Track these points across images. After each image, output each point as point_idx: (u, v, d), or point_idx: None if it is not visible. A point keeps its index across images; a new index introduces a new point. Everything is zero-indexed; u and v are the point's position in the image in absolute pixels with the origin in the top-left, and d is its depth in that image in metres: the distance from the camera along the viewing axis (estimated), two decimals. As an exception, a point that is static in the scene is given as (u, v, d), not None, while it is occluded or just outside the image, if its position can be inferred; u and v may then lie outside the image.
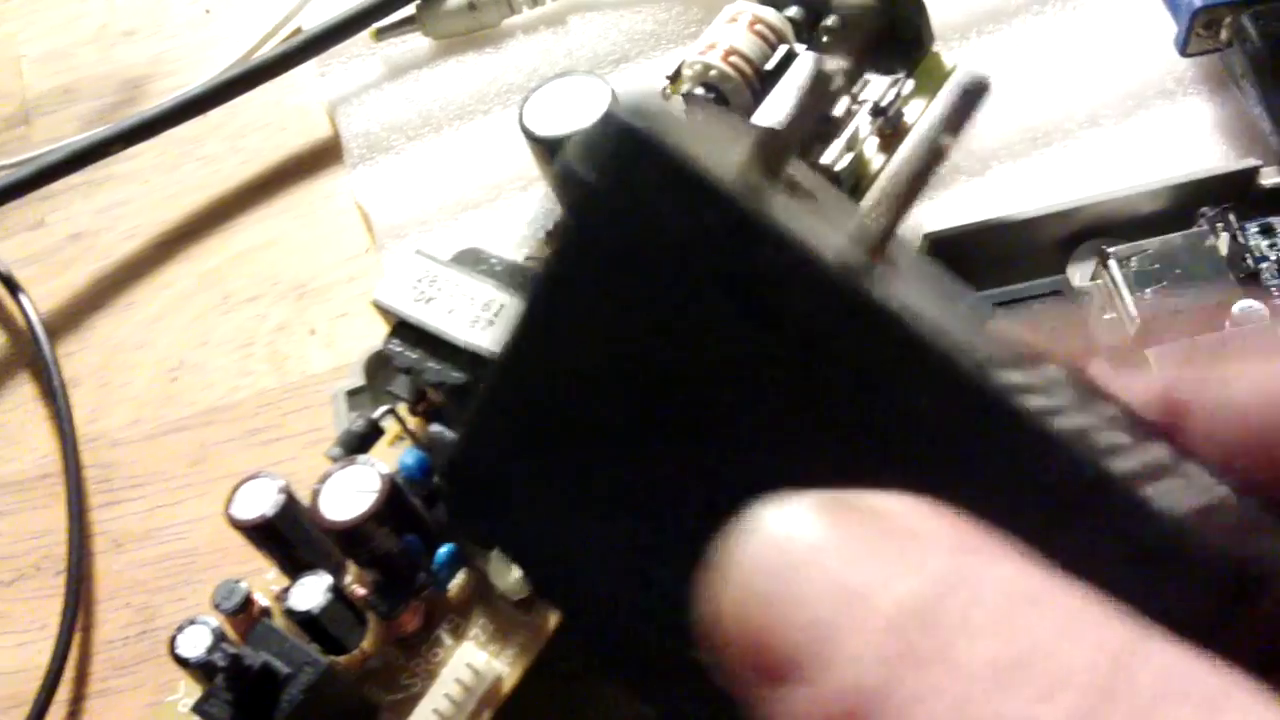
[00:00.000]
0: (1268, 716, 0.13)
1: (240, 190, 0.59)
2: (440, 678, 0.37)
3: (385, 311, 0.39)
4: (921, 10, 0.44)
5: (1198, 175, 0.46)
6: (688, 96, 0.43)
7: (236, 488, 0.38)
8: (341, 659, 0.38)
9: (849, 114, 0.43)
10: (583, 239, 0.18)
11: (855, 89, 0.43)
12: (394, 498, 0.36)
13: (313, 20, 0.59)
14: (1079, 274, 0.45)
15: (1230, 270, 0.43)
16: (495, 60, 0.58)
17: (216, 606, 0.38)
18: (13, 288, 0.57)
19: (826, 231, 0.17)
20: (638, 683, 0.20)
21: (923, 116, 0.16)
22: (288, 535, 0.38)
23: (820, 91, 0.20)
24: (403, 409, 0.41)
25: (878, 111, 0.43)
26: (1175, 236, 0.43)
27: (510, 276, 0.39)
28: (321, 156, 0.59)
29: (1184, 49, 0.50)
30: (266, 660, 0.35)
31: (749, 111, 0.42)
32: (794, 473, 0.16)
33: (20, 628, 0.50)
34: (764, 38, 0.42)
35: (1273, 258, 0.44)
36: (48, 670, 0.47)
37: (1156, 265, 0.43)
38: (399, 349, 0.38)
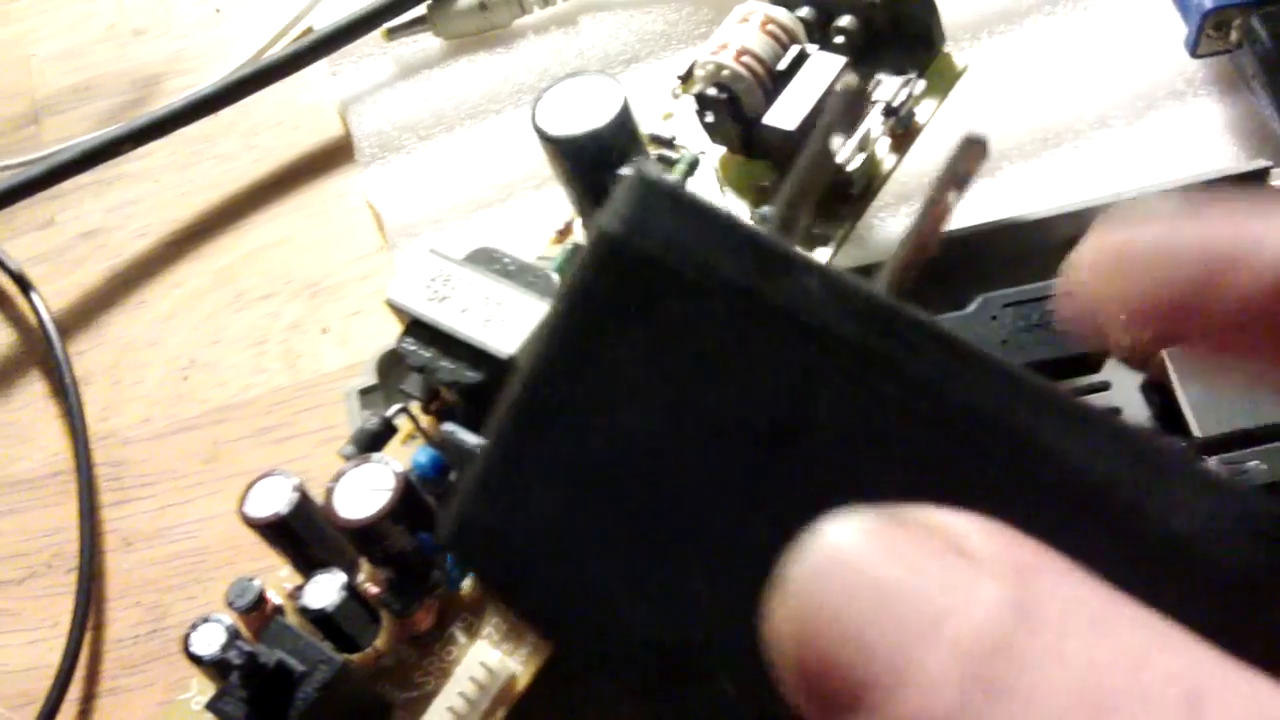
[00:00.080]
0: None
1: (252, 189, 0.59)
2: (454, 676, 0.37)
3: (399, 310, 0.39)
4: (933, 10, 0.44)
5: (1208, 176, 0.46)
6: (700, 97, 0.43)
7: (250, 486, 0.38)
8: (355, 657, 0.38)
9: (861, 114, 0.43)
10: (610, 281, 0.18)
11: (867, 89, 0.43)
12: (408, 496, 0.36)
13: (323, 20, 0.59)
14: (1090, 274, 0.45)
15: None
16: (506, 60, 0.58)
17: (230, 604, 0.38)
18: (24, 286, 0.57)
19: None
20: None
21: (933, 178, 0.17)
22: (301, 533, 0.38)
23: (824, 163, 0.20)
24: (415, 407, 0.41)
25: (889, 112, 0.43)
26: (1187, 236, 0.43)
27: (524, 276, 0.39)
28: (333, 155, 0.59)
29: (1194, 50, 0.50)
30: (281, 658, 0.35)
31: (760, 111, 0.42)
32: (845, 492, 0.16)
33: (31, 625, 0.50)
34: (776, 38, 0.42)
35: (1284, 258, 0.44)
36: (59, 668, 0.47)
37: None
38: (412, 347, 0.38)
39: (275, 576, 0.40)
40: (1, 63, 0.66)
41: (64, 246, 0.59)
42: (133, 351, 0.55)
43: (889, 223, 0.50)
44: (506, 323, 0.37)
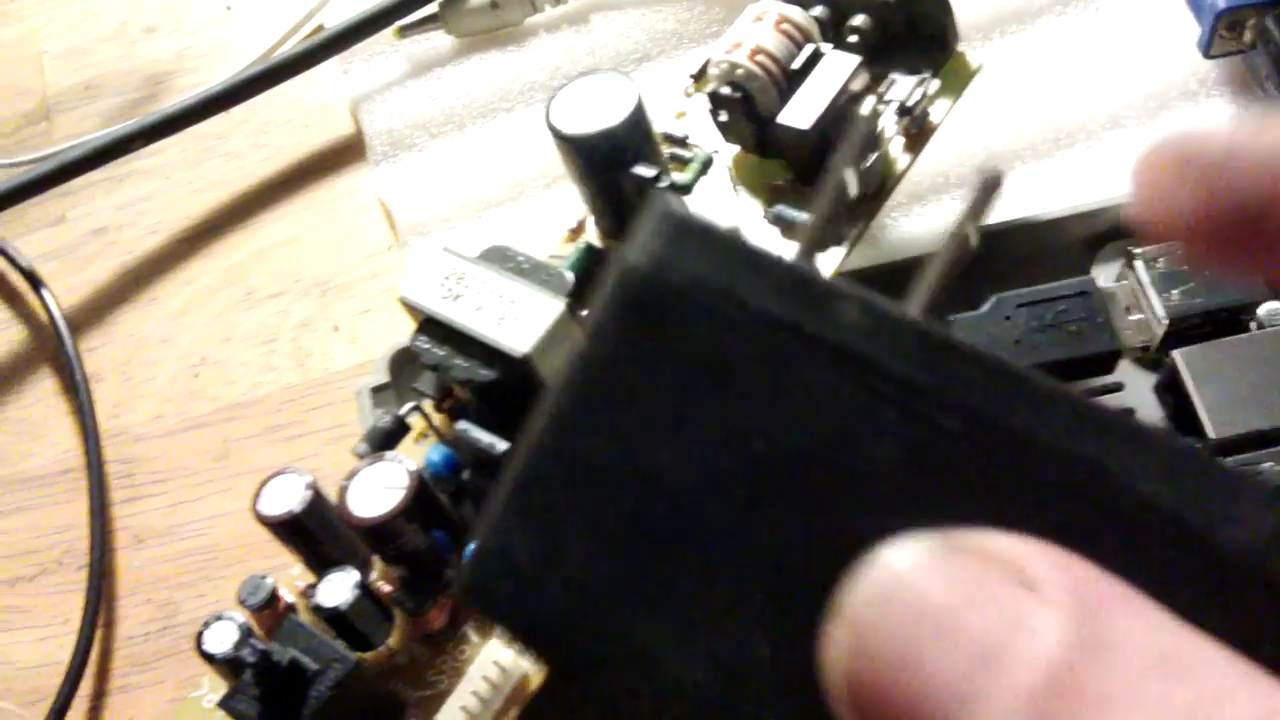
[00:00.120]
0: None
1: (263, 187, 0.59)
2: (467, 675, 0.37)
3: (412, 308, 0.39)
4: (947, 10, 0.44)
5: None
6: (713, 95, 0.43)
7: (263, 484, 0.38)
8: (368, 656, 0.38)
9: (875, 114, 0.43)
10: (638, 318, 0.18)
11: (881, 88, 0.43)
12: (422, 494, 0.36)
13: (335, 17, 0.59)
14: (1104, 274, 0.45)
15: (1256, 271, 0.42)
16: (518, 58, 0.58)
17: (242, 602, 0.38)
18: (35, 283, 0.57)
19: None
20: None
21: (958, 215, 0.16)
22: (314, 531, 0.38)
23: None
24: (428, 405, 0.41)
25: (904, 111, 0.43)
26: (1201, 238, 0.43)
27: (538, 274, 0.39)
28: (344, 153, 0.59)
29: (1207, 51, 0.49)
30: (294, 656, 0.35)
31: (774, 110, 0.42)
32: (898, 523, 0.16)
33: (42, 622, 0.50)
34: (790, 37, 0.42)
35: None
36: (69, 665, 0.47)
37: (1183, 266, 0.43)
38: (426, 345, 0.38)
39: (287, 574, 0.40)
40: (12, 60, 0.66)
41: (75, 243, 0.59)
42: (144, 349, 0.55)
43: (902, 222, 0.50)
44: (521, 321, 0.37)
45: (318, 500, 0.38)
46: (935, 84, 0.44)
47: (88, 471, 0.52)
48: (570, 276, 0.39)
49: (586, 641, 0.19)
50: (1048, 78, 0.52)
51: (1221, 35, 0.49)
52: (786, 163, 0.43)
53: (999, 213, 0.46)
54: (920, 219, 0.50)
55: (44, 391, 0.55)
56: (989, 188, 0.19)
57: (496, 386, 0.37)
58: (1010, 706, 0.13)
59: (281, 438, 0.52)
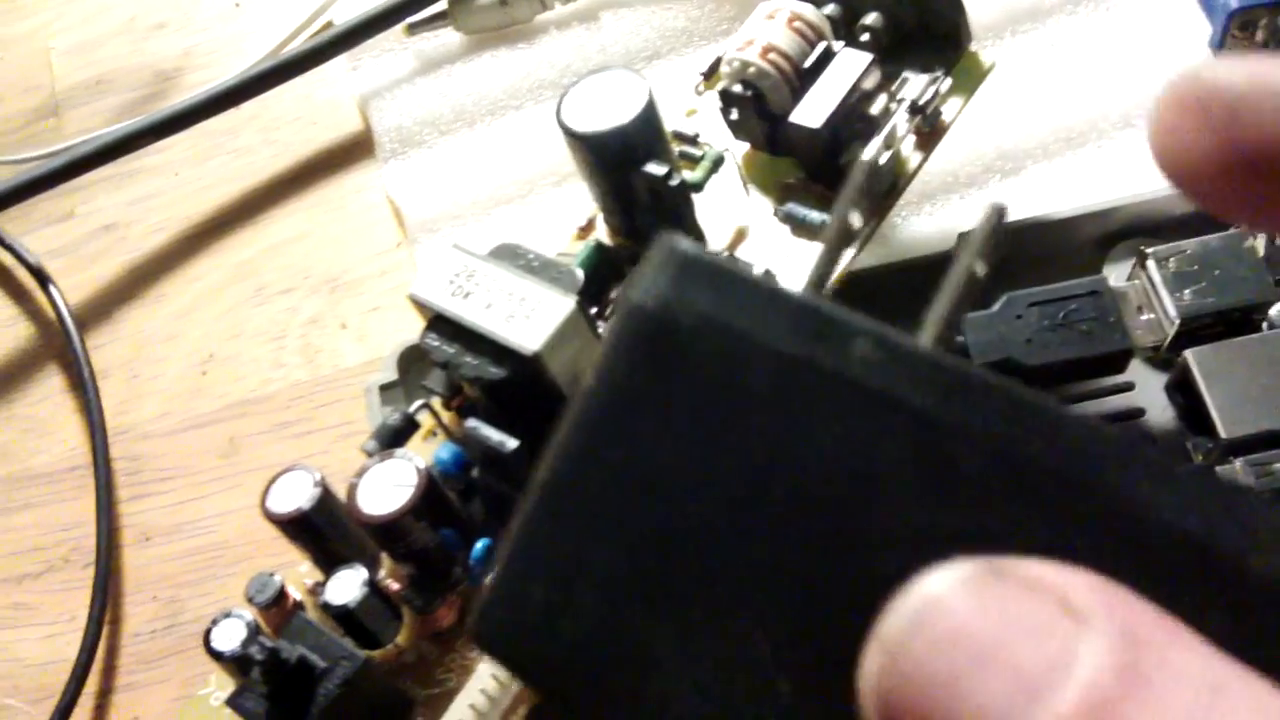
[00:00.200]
0: None
1: (271, 183, 0.59)
2: (476, 673, 0.37)
3: (422, 305, 0.39)
4: (960, 8, 0.44)
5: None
6: (725, 93, 0.43)
7: (272, 481, 0.38)
8: (376, 654, 0.38)
9: (887, 112, 0.43)
10: (646, 356, 0.18)
11: (893, 87, 0.43)
12: (430, 492, 0.36)
13: (344, 14, 0.59)
14: (1115, 274, 0.45)
15: (1269, 271, 0.42)
16: (528, 55, 0.58)
17: (250, 600, 0.38)
18: (42, 279, 0.57)
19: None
20: None
21: (965, 248, 0.16)
22: (323, 529, 0.38)
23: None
24: (437, 403, 0.41)
25: (915, 110, 0.43)
26: (1213, 237, 0.43)
27: (548, 272, 0.39)
28: (352, 150, 0.59)
29: (1219, 50, 0.49)
30: (303, 654, 0.35)
31: (786, 108, 0.42)
32: (924, 560, 0.15)
33: (48, 620, 0.50)
34: (803, 35, 0.42)
35: (1312, 259, 0.44)
36: (76, 662, 0.47)
37: (1195, 266, 0.42)
38: (435, 343, 0.38)
39: (295, 572, 0.40)
40: (21, 56, 0.66)
41: (83, 240, 0.59)
42: (151, 345, 0.55)
43: (912, 221, 0.50)
44: (530, 319, 0.37)
45: (326, 498, 0.38)
46: (947, 82, 0.44)
47: (94, 469, 0.52)
48: (580, 274, 0.39)
49: (602, 685, 0.18)
50: (1059, 77, 0.52)
51: (1234, 35, 0.49)
52: (797, 161, 0.43)
53: (1010, 213, 0.46)
54: (931, 218, 0.50)
55: (51, 389, 0.55)
56: (995, 221, 0.19)
57: (506, 384, 0.37)
58: None
59: (290, 435, 0.51)
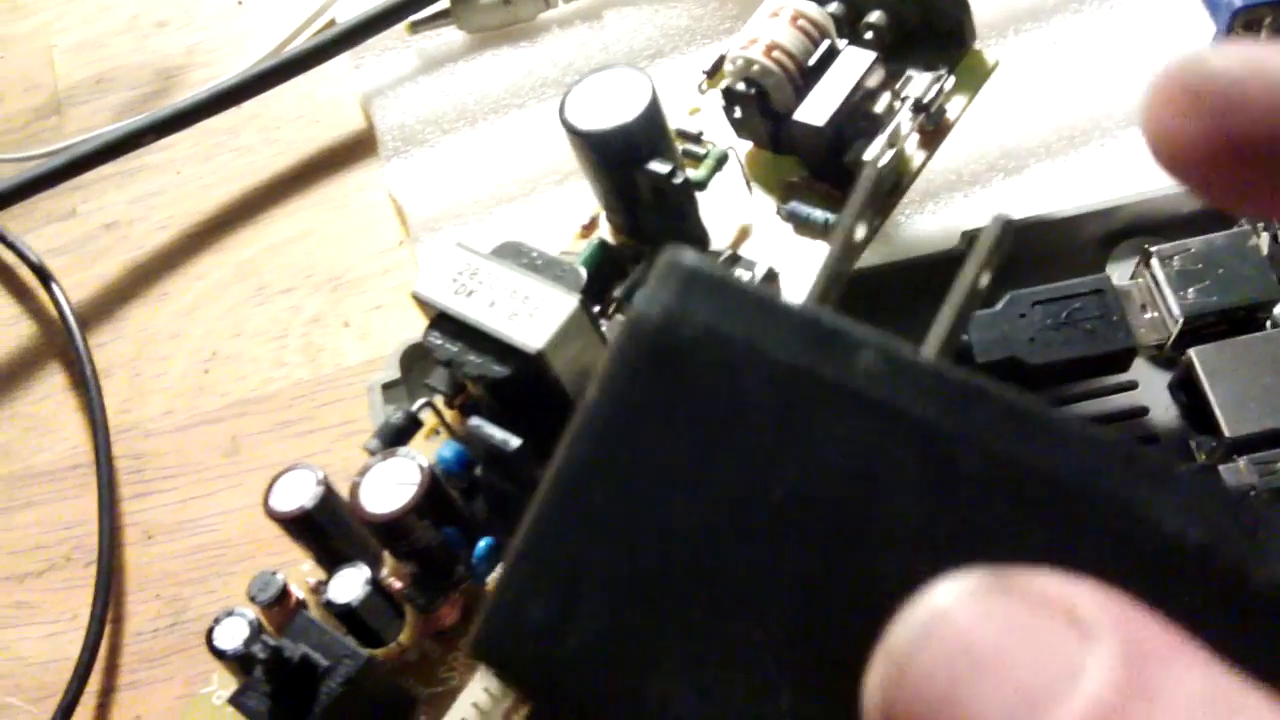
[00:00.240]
0: None
1: (274, 182, 0.59)
2: (479, 672, 0.37)
3: (425, 304, 0.39)
4: (964, 7, 0.44)
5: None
6: (728, 91, 0.43)
7: (275, 479, 0.38)
8: (379, 652, 0.37)
9: (891, 110, 0.43)
10: (650, 369, 0.18)
11: (897, 85, 0.43)
12: (433, 490, 0.36)
13: (346, 13, 0.59)
14: (1118, 272, 0.45)
15: (1273, 270, 0.42)
16: (530, 54, 0.58)
17: (252, 598, 0.38)
18: (44, 277, 0.57)
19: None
20: None
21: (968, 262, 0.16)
22: (326, 527, 0.38)
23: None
24: (440, 401, 0.41)
25: (919, 108, 0.43)
26: (1217, 236, 0.43)
27: (551, 270, 0.39)
28: (355, 149, 0.59)
29: (1223, 49, 0.49)
30: (305, 652, 0.35)
31: (790, 107, 0.42)
32: (929, 573, 0.15)
33: (50, 618, 0.50)
34: (807, 33, 0.42)
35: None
36: (78, 661, 0.47)
37: (1199, 265, 0.42)
38: (439, 341, 0.38)
39: (298, 570, 0.40)
40: (23, 54, 0.66)
41: (85, 238, 0.59)
42: (154, 344, 0.55)
43: (916, 219, 0.49)
44: (534, 317, 0.37)
45: (329, 496, 0.38)
46: (951, 81, 0.44)
47: (97, 467, 0.52)
48: (583, 272, 0.39)
49: (603, 698, 0.18)
50: (1063, 75, 0.52)
51: (1238, 33, 0.49)
52: (801, 159, 0.43)
53: (1014, 212, 0.46)
54: (934, 216, 0.50)
55: (53, 387, 0.55)
56: (1001, 234, 0.19)
57: (509, 382, 0.37)
58: None
59: (292, 433, 0.51)
